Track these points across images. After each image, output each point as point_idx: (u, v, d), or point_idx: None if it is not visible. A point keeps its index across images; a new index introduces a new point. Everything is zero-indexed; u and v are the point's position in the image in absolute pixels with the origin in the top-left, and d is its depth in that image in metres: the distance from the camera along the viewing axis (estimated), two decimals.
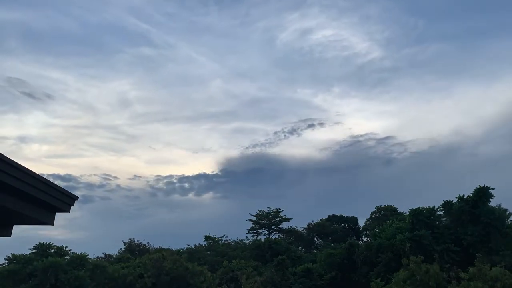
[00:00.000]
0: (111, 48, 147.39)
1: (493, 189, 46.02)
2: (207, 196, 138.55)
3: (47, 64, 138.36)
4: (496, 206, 46.25)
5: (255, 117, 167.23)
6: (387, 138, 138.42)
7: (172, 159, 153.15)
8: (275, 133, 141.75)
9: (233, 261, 52.77)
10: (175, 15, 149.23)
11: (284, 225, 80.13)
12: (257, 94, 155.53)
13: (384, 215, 71.65)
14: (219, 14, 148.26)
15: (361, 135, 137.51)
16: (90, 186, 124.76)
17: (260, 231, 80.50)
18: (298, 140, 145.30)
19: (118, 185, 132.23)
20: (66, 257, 49.17)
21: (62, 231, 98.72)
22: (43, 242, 51.46)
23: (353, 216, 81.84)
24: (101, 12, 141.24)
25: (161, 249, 58.53)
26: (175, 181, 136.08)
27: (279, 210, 79.36)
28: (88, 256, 49.89)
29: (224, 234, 71.64)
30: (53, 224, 6.32)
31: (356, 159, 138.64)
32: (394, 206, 74.02)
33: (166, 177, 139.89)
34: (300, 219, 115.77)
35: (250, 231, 79.91)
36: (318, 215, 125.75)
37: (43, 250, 50.32)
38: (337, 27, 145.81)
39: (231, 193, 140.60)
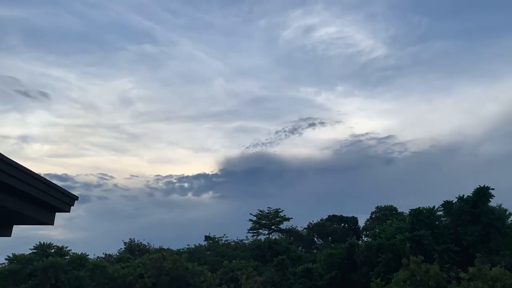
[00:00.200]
0: (113, 45, 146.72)
1: (493, 189, 46.06)
2: (207, 196, 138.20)
3: (49, 62, 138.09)
4: (496, 206, 46.33)
5: (257, 116, 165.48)
6: (387, 137, 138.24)
7: (174, 158, 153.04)
8: (276, 132, 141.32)
9: (233, 261, 52.76)
10: (178, 11, 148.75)
11: (284, 225, 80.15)
12: (260, 93, 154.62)
13: (384, 215, 71.61)
14: (221, 11, 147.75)
15: (362, 135, 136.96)
16: (87, 185, 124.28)
17: (260, 231, 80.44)
18: (299, 140, 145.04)
19: (115, 185, 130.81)
20: (66, 257, 49.19)
21: (62, 231, 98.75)
22: (43, 242, 51.53)
23: (353, 216, 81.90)
24: (103, 9, 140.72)
25: (161, 249, 58.52)
26: (175, 181, 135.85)
27: (279, 210, 79.31)
28: (88, 256, 49.92)
29: (224, 234, 71.62)
30: (53, 224, 6.32)
31: (356, 159, 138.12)
32: (394, 206, 74.06)
33: (166, 176, 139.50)
34: (300, 219, 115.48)
35: (250, 231, 79.90)
36: (318, 215, 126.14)
37: (43, 250, 50.35)
38: (341, 24, 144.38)
39: (231, 193, 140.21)
